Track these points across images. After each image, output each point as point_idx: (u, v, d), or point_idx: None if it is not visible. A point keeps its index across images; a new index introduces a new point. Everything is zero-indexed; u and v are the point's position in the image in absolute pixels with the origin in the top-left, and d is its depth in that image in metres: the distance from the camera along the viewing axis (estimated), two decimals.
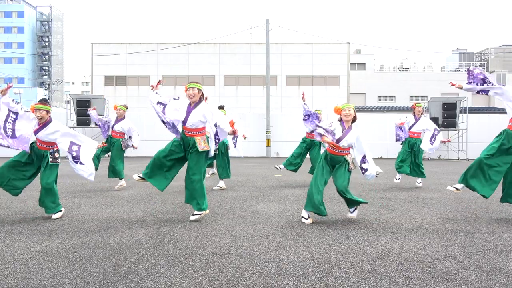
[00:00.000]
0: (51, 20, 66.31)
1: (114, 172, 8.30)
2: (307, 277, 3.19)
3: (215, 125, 5.21)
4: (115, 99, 30.93)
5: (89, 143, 5.52)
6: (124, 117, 8.41)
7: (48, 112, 5.34)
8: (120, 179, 8.32)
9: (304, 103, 7.97)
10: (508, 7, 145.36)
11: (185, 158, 5.27)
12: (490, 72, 39.08)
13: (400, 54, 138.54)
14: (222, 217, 5.43)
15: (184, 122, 5.15)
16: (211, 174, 10.08)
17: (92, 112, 8.62)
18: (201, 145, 5.12)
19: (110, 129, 8.43)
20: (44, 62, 66.84)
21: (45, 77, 66.37)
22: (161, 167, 5.21)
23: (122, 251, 3.85)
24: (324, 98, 31.45)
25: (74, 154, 5.34)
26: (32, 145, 5.39)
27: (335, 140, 5.12)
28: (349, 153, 5.20)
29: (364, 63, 40.37)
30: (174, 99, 5.26)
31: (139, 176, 5.26)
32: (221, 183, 8.38)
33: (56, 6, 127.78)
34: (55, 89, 64.40)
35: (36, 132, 5.31)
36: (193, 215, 5.22)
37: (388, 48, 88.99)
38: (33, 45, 65.74)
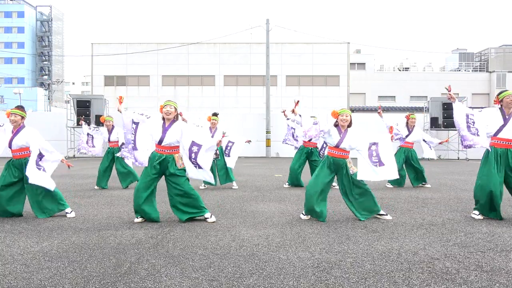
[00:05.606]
0: (51, 20, 66.28)
1: (133, 175, 8.43)
2: (307, 277, 3.19)
3: (195, 144, 5.04)
4: (115, 99, 30.96)
5: (55, 155, 5.40)
6: (113, 126, 8.62)
7: (23, 118, 5.38)
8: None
9: (287, 118, 8.44)
10: (508, 7, 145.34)
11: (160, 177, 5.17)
12: (490, 72, 39.06)
13: (400, 54, 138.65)
14: (222, 217, 5.44)
15: (160, 141, 5.03)
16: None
17: (84, 127, 8.64)
18: (179, 162, 5.06)
19: (107, 142, 8.60)
20: (44, 62, 66.81)
21: (45, 77, 66.33)
22: (150, 201, 5.13)
23: (122, 251, 3.85)
24: (324, 98, 31.45)
25: (40, 162, 5.26)
26: (11, 162, 5.37)
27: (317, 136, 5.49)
28: (348, 156, 5.32)
29: (364, 63, 40.36)
30: (147, 116, 5.13)
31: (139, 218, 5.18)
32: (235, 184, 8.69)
33: (56, 6, 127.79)
34: (55, 89, 64.36)
35: (10, 141, 5.29)
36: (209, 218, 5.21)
37: (388, 48, 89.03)
38: (33, 45, 65.72)
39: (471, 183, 9.64)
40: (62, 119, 20.39)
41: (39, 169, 5.22)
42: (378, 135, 5.47)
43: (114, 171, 8.73)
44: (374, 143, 5.31)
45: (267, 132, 21.09)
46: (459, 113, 5.37)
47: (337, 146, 5.25)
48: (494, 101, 5.52)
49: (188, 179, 5.15)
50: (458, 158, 19.86)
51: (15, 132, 5.31)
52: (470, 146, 5.33)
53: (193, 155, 5.02)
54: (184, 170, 5.10)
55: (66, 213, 5.51)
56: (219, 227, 4.85)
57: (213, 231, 4.67)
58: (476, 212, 5.45)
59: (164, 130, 5.05)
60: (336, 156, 5.27)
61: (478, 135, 5.26)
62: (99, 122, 19.41)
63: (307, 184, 5.39)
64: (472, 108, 5.55)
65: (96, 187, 8.51)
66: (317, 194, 5.18)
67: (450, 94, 5.40)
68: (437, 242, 4.19)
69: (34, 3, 67.89)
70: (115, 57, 31.32)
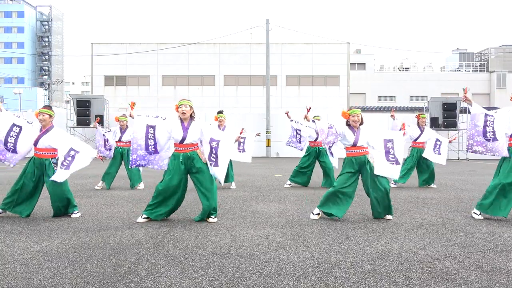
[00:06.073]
0: (51, 20, 66.26)
1: (139, 177, 8.49)
2: (307, 277, 3.19)
3: (214, 140, 5.07)
4: (115, 99, 30.95)
5: (88, 151, 5.41)
6: (127, 127, 8.53)
7: (50, 116, 5.38)
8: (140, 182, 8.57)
9: (292, 121, 8.62)
10: (508, 7, 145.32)
11: (186, 177, 5.18)
12: (490, 72, 39.06)
13: (400, 54, 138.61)
14: (222, 217, 5.44)
15: (182, 140, 5.05)
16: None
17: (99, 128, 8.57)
18: (203, 157, 5.10)
19: (115, 141, 8.50)
20: (44, 62, 66.79)
21: (45, 77, 66.31)
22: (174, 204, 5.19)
23: (122, 251, 3.85)
24: (324, 98, 31.45)
25: (66, 163, 5.22)
26: (33, 160, 5.37)
27: (335, 140, 5.38)
28: (368, 152, 5.39)
29: (364, 63, 40.34)
30: (163, 118, 5.12)
31: (144, 218, 5.18)
32: (233, 184, 8.70)
33: (56, 6, 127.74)
34: (55, 89, 64.34)
35: (38, 139, 5.30)
36: (212, 218, 5.22)
37: (388, 48, 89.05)
38: (33, 45, 65.70)
39: (471, 183, 9.64)
40: (62, 119, 20.37)
41: (62, 167, 5.21)
42: (392, 132, 5.52)
43: (120, 172, 8.76)
44: (390, 140, 5.37)
45: (267, 132, 21.09)
46: (478, 114, 5.24)
47: (354, 145, 5.31)
48: (511, 98, 5.42)
49: (212, 177, 5.16)
50: (458, 158, 19.86)
51: (44, 131, 5.33)
52: (482, 152, 5.23)
53: (213, 150, 5.05)
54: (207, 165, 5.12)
55: (73, 212, 5.51)
56: (219, 227, 4.86)
57: (213, 231, 4.67)
58: (477, 212, 5.44)
59: (185, 129, 5.07)
60: (356, 154, 5.33)
61: (496, 139, 5.12)
62: (99, 122, 19.44)
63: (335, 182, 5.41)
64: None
65: (100, 183, 8.49)
66: (340, 191, 5.25)
67: (466, 96, 5.33)
68: (437, 242, 4.19)
69: (34, 3, 67.85)
70: (115, 57, 31.32)
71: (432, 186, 8.80)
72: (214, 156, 5.06)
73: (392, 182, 8.72)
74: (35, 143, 5.32)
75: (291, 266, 3.43)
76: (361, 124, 5.40)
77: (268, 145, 21.03)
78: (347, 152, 5.41)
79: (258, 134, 8.72)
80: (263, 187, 8.66)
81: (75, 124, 19.66)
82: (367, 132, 5.37)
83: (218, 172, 5.09)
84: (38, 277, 3.18)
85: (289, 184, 8.84)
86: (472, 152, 5.33)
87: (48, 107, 5.51)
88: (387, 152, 5.30)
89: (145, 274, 3.24)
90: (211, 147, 5.06)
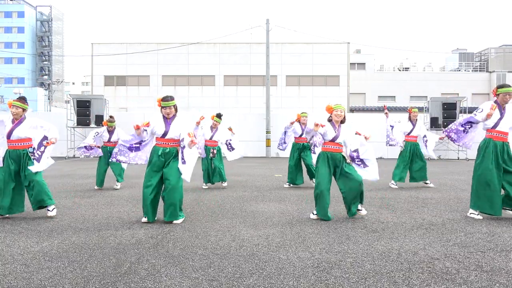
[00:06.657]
0: (51, 20, 66.24)
1: (121, 176, 8.61)
2: (307, 277, 3.19)
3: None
4: (115, 99, 30.97)
5: (54, 130, 5.43)
6: (115, 128, 8.66)
7: (24, 110, 5.33)
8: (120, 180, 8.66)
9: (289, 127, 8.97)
10: (508, 7, 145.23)
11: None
12: (490, 72, 39.07)
13: (400, 54, 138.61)
14: (222, 217, 5.44)
15: (164, 134, 5.08)
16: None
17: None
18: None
19: (102, 142, 8.59)
20: (44, 62, 66.78)
21: (45, 77, 66.30)
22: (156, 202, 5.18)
23: (122, 251, 3.85)
24: (324, 98, 31.43)
25: (39, 154, 5.32)
26: (8, 154, 5.30)
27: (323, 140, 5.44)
28: (343, 150, 5.46)
29: (364, 63, 40.36)
30: (145, 130, 5.17)
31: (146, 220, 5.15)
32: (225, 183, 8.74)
33: (56, 6, 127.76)
34: (55, 89, 64.29)
35: (11, 131, 5.23)
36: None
37: (388, 48, 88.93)
38: (33, 45, 65.68)
39: (471, 183, 9.63)
40: (62, 119, 20.37)
41: (38, 158, 5.31)
42: (359, 140, 5.50)
43: (109, 171, 8.81)
44: (355, 150, 5.47)
45: (267, 132, 21.09)
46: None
47: (333, 140, 5.31)
48: (493, 90, 5.62)
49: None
50: (458, 158, 19.86)
51: (17, 123, 5.27)
52: (454, 140, 5.77)
53: (181, 149, 5.10)
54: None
55: (48, 210, 5.42)
56: (219, 227, 4.86)
57: (213, 231, 4.67)
58: (475, 212, 5.45)
59: (167, 123, 5.12)
60: (333, 150, 5.33)
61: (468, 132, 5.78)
62: (99, 122, 19.45)
63: (315, 185, 5.37)
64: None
65: (96, 187, 8.51)
66: (327, 190, 5.23)
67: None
68: (437, 242, 4.19)
69: (34, 3, 67.83)
70: (115, 57, 31.32)
71: (430, 185, 8.79)
72: (181, 154, 5.08)
73: (392, 182, 8.72)
74: (8, 136, 5.26)
75: (291, 266, 3.43)
76: (342, 122, 5.42)
77: (268, 145, 21.02)
78: (323, 147, 5.39)
79: (230, 129, 8.81)
80: (263, 187, 8.67)
81: (75, 124, 19.66)
82: (348, 132, 5.40)
83: (184, 170, 5.04)
84: (38, 277, 3.18)
85: (288, 184, 8.86)
86: (446, 136, 5.85)
87: (23, 99, 5.38)
88: (353, 157, 5.47)
89: (145, 274, 3.24)
90: (181, 147, 5.11)
